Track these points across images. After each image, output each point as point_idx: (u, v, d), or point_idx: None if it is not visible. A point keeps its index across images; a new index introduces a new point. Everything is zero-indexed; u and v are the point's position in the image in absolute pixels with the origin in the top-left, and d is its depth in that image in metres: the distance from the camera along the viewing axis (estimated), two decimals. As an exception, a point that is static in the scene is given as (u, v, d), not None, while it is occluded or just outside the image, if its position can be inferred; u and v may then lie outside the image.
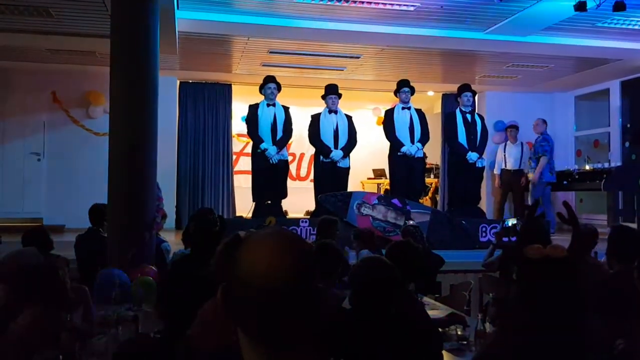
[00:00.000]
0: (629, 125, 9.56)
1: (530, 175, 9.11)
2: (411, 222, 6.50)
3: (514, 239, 4.95)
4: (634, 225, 7.91)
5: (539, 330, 1.78)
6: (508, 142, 9.86)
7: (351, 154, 8.11)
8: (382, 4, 6.31)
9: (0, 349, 2.65)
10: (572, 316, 1.78)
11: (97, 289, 3.82)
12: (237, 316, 1.09)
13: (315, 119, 7.97)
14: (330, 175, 7.80)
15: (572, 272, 1.79)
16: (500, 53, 8.13)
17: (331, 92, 7.89)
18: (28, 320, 2.70)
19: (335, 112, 7.89)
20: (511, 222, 5.09)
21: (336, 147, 7.78)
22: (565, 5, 6.12)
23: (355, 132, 8.03)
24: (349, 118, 8.05)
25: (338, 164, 7.80)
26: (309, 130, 8.02)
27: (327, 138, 7.79)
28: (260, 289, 1.05)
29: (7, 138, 9.18)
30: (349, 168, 7.96)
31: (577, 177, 9.06)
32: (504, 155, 9.79)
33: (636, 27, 7.06)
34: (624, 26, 7.04)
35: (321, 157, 7.83)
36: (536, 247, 1.77)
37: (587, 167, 9.13)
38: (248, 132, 7.91)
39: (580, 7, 5.88)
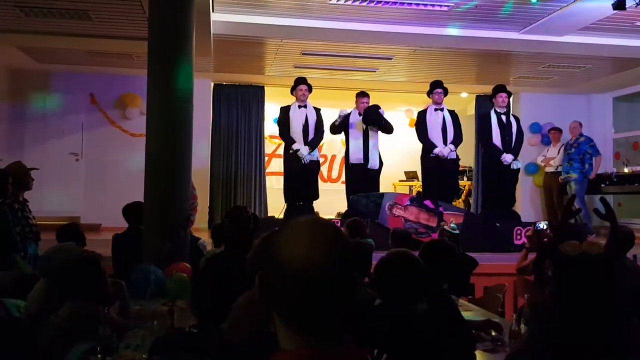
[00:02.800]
0: (669, 127, 9.31)
1: (574, 176, 8.90)
2: (451, 225, 6.42)
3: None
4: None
5: (574, 329, 1.75)
6: (551, 144, 9.77)
7: (382, 156, 8.12)
8: (415, 4, 6.28)
9: (41, 340, 2.74)
10: (608, 315, 1.75)
11: (133, 285, 3.91)
12: (275, 302, 1.10)
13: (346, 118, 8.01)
14: (361, 177, 7.80)
15: (609, 269, 1.76)
16: (536, 53, 8.00)
17: (364, 95, 7.95)
18: (67, 312, 2.79)
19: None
20: (543, 224, 5.00)
21: (368, 147, 7.79)
22: (603, 4, 5.99)
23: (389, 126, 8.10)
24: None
25: (369, 166, 7.80)
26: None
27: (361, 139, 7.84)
28: (299, 274, 1.05)
29: (47, 138, 9.45)
30: (379, 170, 7.94)
31: (615, 180, 8.86)
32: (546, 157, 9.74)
33: (678, 25, 6.87)
34: (665, 25, 6.85)
35: (350, 160, 7.84)
36: (572, 244, 1.75)
37: (626, 170, 8.92)
38: (280, 134, 7.98)
39: (619, 5, 5.75)
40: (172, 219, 4.89)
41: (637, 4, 5.78)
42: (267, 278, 1.11)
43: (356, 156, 7.78)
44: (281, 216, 7.95)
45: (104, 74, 9.35)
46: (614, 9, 5.83)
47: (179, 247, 4.80)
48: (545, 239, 3.84)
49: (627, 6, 5.75)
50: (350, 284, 1.09)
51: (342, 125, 7.96)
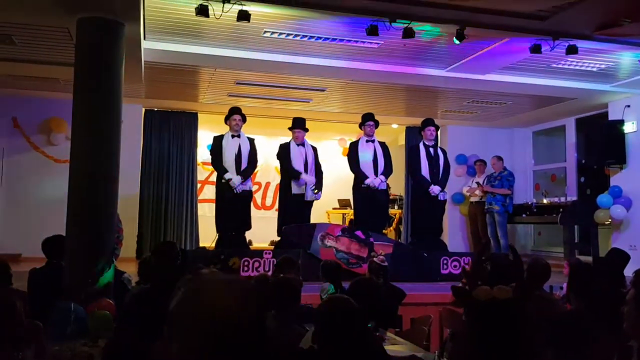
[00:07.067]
0: (583, 161, 9.92)
1: (496, 207, 9.30)
2: (380, 257, 6.52)
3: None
4: (589, 258, 8.17)
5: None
6: (476, 175, 10.18)
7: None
8: (347, 40, 6.46)
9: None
10: (519, 354, 1.85)
11: (52, 324, 3.74)
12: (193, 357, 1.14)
13: (285, 147, 8.02)
14: (296, 206, 7.83)
15: (518, 312, 1.86)
16: (461, 90, 8.39)
17: (296, 126, 7.97)
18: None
19: (303, 144, 7.98)
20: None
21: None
22: (522, 46, 6.39)
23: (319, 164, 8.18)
24: (315, 149, 8.14)
25: (306, 198, 7.84)
26: (279, 158, 8.08)
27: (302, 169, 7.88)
28: (216, 332, 1.12)
29: (-36, 163, 8.97)
30: (312, 201, 8.00)
31: (535, 210, 9.30)
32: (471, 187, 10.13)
33: (588, 68, 7.39)
34: (577, 67, 7.36)
35: (292, 188, 7.84)
36: (484, 289, 1.84)
37: (545, 201, 9.40)
38: (212, 163, 7.93)
39: (535, 49, 6.17)
40: (96, 253, 4.73)
41: (551, 48, 6.22)
42: (186, 335, 1.15)
43: (297, 187, 7.83)
44: (213, 246, 7.85)
45: (28, 97, 9.00)
46: (531, 52, 6.25)
47: (103, 283, 4.63)
48: (461, 284, 3.98)
49: (542, 50, 6.18)
50: (262, 343, 1.16)
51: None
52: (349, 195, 9.45)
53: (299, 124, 7.97)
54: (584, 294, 3.45)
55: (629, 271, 4.36)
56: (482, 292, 1.86)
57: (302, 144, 7.96)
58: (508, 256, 8.16)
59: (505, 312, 1.82)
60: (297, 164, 7.83)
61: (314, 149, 8.11)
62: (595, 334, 3.05)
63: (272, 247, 8.55)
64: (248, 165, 7.76)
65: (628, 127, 8.72)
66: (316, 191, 7.83)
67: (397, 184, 11.23)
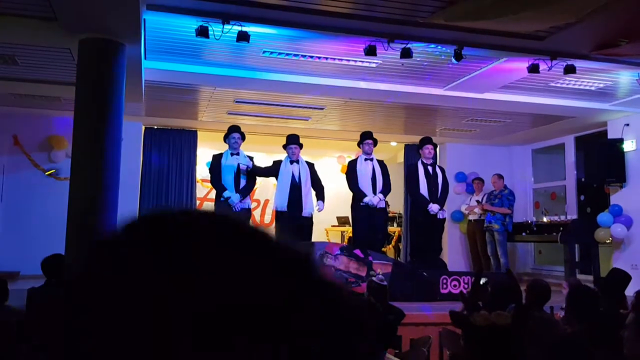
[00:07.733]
0: (583, 180, 9.92)
1: (496, 226, 9.30)
2: (379, 276, 6.49)
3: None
4: (590, 277, 8.14)
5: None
6: (474, 193, 10.18)
7: (314, 202, 8.16)
8: (346, 60, 6.50)
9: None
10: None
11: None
12: None
13: (278, 164, 7.98)
14: (289, 224, 7.78)
15: (516, 337, 1.86)
16: (459, 108, 8.42)
17: (291, 142, 7.93)
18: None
19: (297, 161, 7.94)
20: (481, 280, 5.11)
21: (300, 196, 7.78)
22: (520, 66, 6.43)
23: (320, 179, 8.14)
24: (311, 165, 8.09)
25: (302, 214, 7.78)
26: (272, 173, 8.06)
27: (288, 187, 7.82)
28: None
29: (-36, 181, 8.97)
30: (312, 217, 7.96)
31: (535, 229, 9.29)
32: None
33: (587, 87, 7.43)
34: (575, 86, 7.40)
35: (276, 207, 7.82)
36: (483, 314, 1.85)
37: (545, 220, 9.38)
38: (211, 181, 7.92)
39: (534, 69, 6.21)
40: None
41: (549, 68, 6.26)
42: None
43: (279, 203, 7.77)
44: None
45: (29, 115, 9.03)
46: (529, 72, 6.29)
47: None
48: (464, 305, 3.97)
49: (540, 69, 6.23)
50: None
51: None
52: (347, 212, 9.44)
53: (293, 140, 7.93)
54: (584, 316, 3.44)
55: (630, 291, 4.34)
56: (481, 318, 1.86)
57: (297, 162, 7.91)
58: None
59: (504, 337, 1.82)
60: (285, 181, 7.77)
61: (310, 165, 8.04)
62: (594, 356, 3.04)
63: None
64: (247, 183, 7.76)
65: (627, 146, 8.74)
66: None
67: (396, 202, 11.22)
